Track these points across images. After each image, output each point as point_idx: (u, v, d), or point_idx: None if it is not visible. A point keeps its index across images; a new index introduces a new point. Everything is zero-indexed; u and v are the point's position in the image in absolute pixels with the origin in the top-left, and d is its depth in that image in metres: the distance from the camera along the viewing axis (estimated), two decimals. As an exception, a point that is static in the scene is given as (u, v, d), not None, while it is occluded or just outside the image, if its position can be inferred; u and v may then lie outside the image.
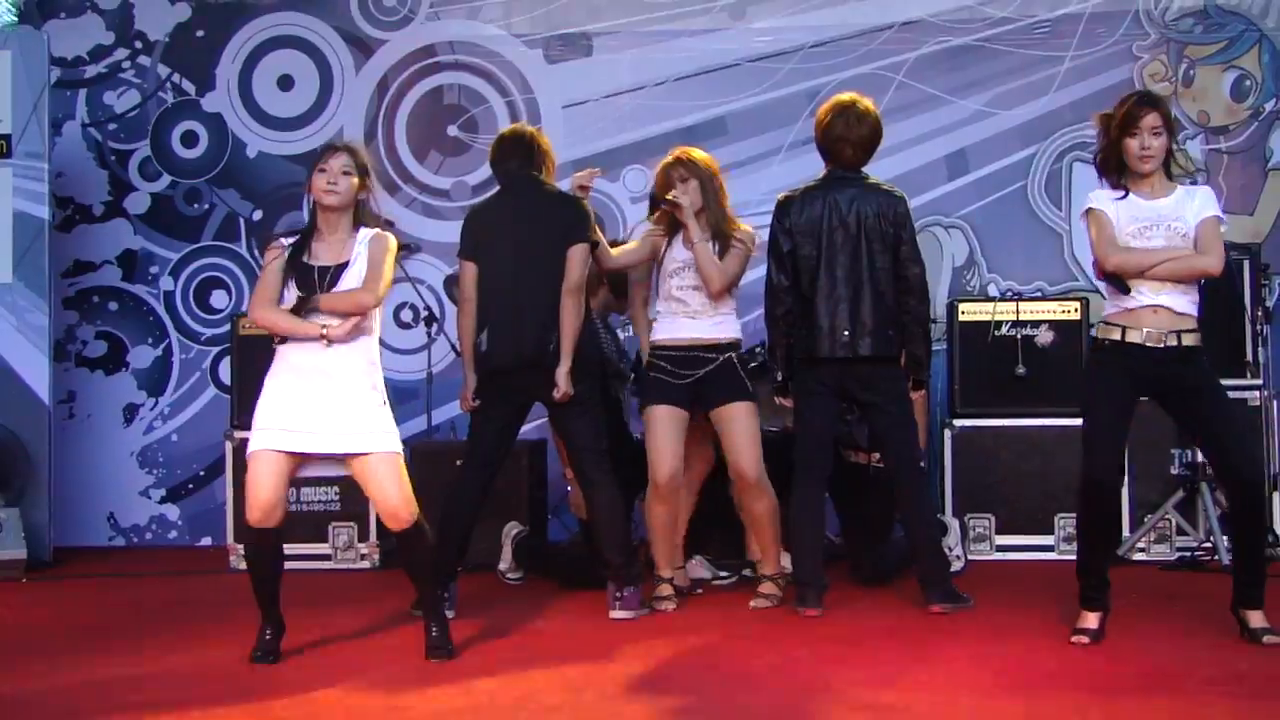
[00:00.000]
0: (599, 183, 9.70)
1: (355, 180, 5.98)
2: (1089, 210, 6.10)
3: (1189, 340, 5.96)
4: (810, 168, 9.51)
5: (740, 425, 7.07)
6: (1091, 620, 6.05)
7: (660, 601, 7.06)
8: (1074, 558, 6.26)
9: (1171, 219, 5.98)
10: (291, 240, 6.05)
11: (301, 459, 5.89)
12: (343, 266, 5.94)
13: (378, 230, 6.07)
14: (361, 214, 6.05)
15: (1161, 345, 5.92)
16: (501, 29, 10.11)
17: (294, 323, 5.86)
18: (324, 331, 5.82)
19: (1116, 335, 5.99)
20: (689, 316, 7.13)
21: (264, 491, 5.82)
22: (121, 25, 10.29)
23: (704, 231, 7.06)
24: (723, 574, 7.90)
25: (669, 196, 7.09)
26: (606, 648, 6.13)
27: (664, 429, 7.09)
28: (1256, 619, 5.94)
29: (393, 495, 5.85)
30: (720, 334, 7.14)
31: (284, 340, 5.93)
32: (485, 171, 9.74)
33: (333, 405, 5.82)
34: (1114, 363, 6.01)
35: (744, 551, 7.84)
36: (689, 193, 7.08)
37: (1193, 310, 6.01)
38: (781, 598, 7.06)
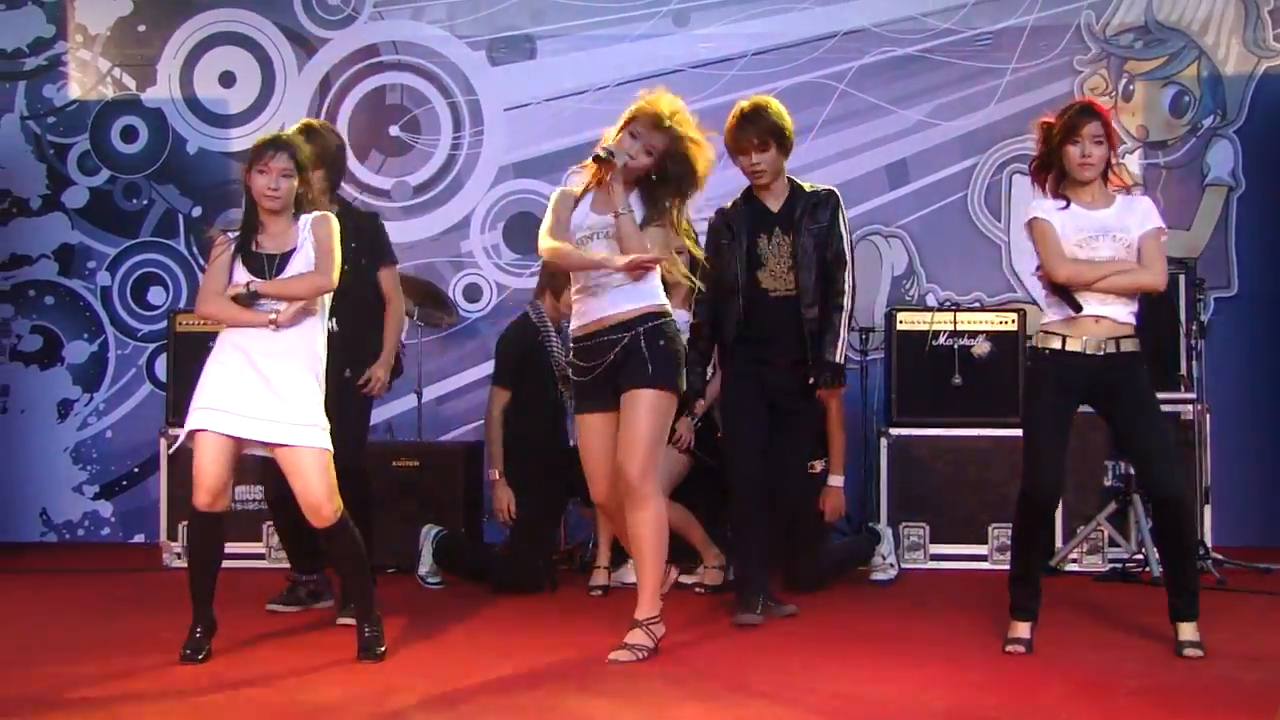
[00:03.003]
0: (539, 185, 9.75)
1: (295, 181, 5.95)
2: (1033, 220, 6.09)
3: (1128, 346, 5.99)
4: (751, 175, 9.56)
5: (632, 415, 5.97)
6: (1023, 630, 6.08)
7: (593, 590, 7.43)
8: (1007, 568, 6.28)
9: (1116, 229, 6.00)
10: (235, 234, 6.03)
11: (240, 443, 5.88)
12: (290, 252, 5.93)
13: (319, 212, 6.04)
14: (301, 204, 6.03)
15: (1101, 353, 5.96)
16: (445, 30, 10.10)
17: (242, 313, 5.84)
18: (272, 317, 5.81)
19: (1056, 344, 6.01)
20: (594, 295, 6.05)
21: (210, 474, 5.79)
22: (62, 18, 10.22)
23: (624, 200, 5.95)
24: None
25: (602, 148, 5.97)
26: (534, 651, 6.13)
27: (590, 442, 6.17)
28: (1186, 631, 5.98)
29: (317, 491, 5.81)
30: (629, 304, 5.98)
31: None
32: (427, 172, 9.89)
33: (271, 391, 5.80)
34: (1054, 373, 6.03)
35: (679, 555, 7.88)
36: (635, 153, 5.96)
37: (1132, 320, 6.05)
38: (653, 649, 6.00)
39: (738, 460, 6.93)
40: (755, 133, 6.73)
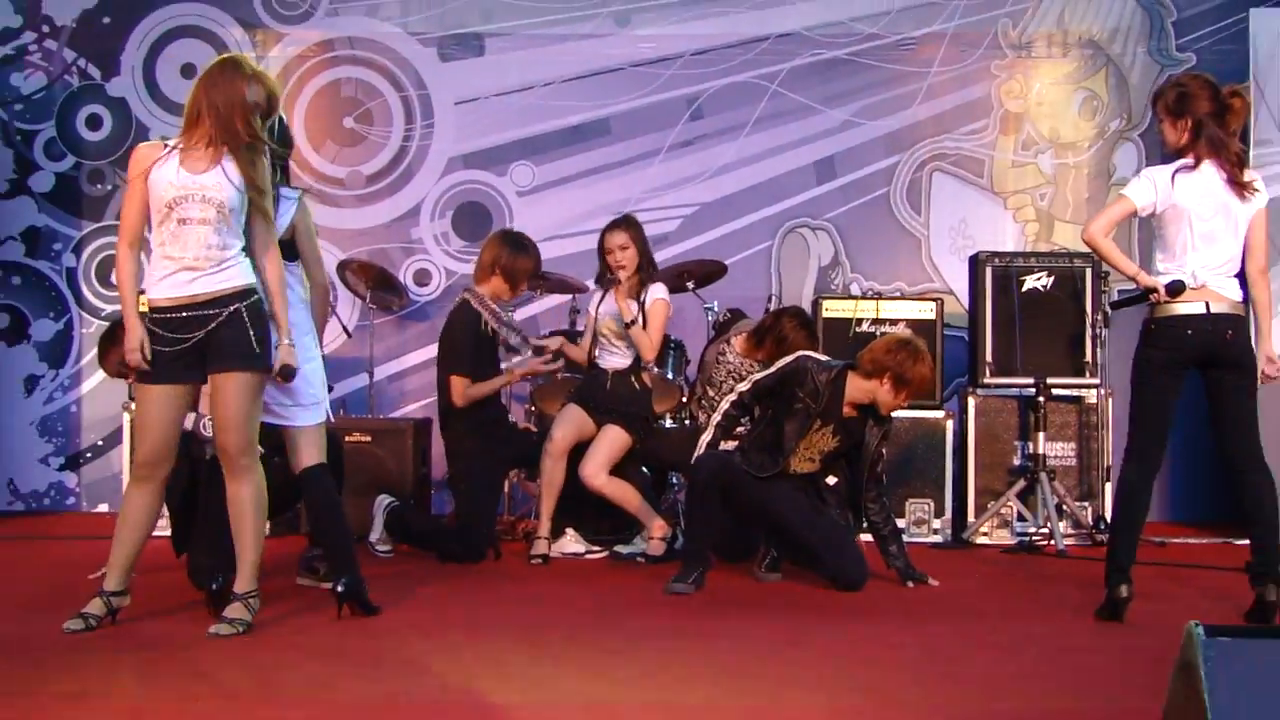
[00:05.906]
0: (486, 176, 10.09)
1: None
2: None
3: None
4: (688, 169, 10.08)
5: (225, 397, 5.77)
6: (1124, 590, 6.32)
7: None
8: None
9: None
10: None
11: None
12: None
13: None
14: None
15: None
16: (398, 27, 10.42)
17: None
18: None
19: None
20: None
21: None
22: (29, 9, 10.40)
23: None
24: (595, 548, 8.21)
25: None
26: (478, 618, 6.37)
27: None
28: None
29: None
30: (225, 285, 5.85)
31: None
32: (380, 162, 10.21)
33: None
34: None
35: (617, 526, 8.28)
36: None
37: None
38: (250, 623, 5.82)
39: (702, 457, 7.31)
40: None
